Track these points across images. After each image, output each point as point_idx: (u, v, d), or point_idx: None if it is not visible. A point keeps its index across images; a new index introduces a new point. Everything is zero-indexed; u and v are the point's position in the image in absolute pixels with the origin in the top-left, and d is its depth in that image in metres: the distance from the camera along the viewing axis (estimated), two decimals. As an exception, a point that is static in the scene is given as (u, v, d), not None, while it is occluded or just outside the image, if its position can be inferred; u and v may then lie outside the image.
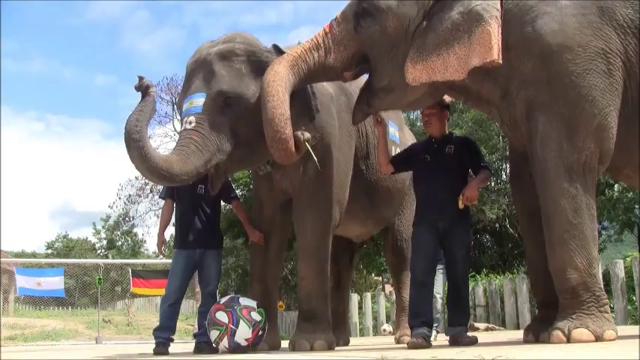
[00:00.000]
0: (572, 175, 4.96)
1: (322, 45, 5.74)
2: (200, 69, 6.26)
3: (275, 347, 6.76)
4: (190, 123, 5.98)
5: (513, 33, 5.13)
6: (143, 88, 5.72)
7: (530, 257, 6.04)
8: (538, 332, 5.42)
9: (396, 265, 8.57)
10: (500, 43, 4.98)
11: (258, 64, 6.21)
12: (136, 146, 5.53)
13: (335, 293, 8.42)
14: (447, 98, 6.25)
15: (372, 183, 7.33)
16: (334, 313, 8.09)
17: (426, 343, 5.64)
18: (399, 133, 7.87)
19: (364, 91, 5.90)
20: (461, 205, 5.97)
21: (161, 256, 14.08)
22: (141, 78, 5.73)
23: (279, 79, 5.64)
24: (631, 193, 18.16)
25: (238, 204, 7.76)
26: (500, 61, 4.95)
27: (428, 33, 5.30)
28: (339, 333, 7.96)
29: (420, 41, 5.32)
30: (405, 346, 6.10)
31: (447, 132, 6.44)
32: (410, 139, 8.19)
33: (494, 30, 4.98)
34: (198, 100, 6.06)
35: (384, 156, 6.43)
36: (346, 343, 8.15)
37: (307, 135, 5.88)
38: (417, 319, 5.85)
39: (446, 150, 6.18)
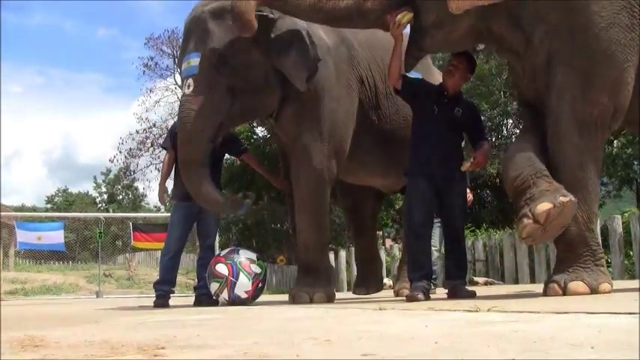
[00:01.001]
0: (584, 128, 4.97)
1: None
2: (195, 28, 6.43)
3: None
4: (189, 87, 6.27)
5: None
6: None
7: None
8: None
9: None
10: None
11: None
12: None
13: (358, 242, 8.60)
14: None
15: (386, 133, 7.22)
16: (361, 262, 8.31)
17: (425, 298, 5.66)
18: (427, 78, 7.65)
19: (413, 34, 5.70)
20: (466, 168, 5.99)
21: (162, 209, 14.15)
22: None
23: None
24: (630, 149, 18.15)
25: (249, 155, 7.88)
26: None
27: None
28: (369, 281, 8.17)
29: None
30: (403, 298, 6.15)
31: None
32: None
33: None
34: (195, 61, 6.29)
35: (397, 66, 6.02)
36: (378, 290, 8.23)
37: None
38: (417, 273, 5.87)
39: (454, 111, 6.13)
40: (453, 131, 6.13)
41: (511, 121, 24.34)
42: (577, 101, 4.97)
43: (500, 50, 5.90)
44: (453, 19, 5.30)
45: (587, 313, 2.92)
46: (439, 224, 7.57)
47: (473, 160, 6.01)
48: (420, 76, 7.38)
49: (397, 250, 16.78)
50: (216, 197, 6.45)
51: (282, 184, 7.22)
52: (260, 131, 25.35)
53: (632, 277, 11.59)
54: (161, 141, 33.36)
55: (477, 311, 3.47)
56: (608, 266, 6.33)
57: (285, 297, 7.08)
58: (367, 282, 8.10)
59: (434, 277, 8.44)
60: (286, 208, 7.72)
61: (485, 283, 12.86)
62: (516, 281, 13.99)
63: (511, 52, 5.59)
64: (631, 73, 5.04)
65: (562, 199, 4.74)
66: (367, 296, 7.92)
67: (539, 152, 5.14)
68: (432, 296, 6.05)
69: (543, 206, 4.73)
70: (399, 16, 5.51)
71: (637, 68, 5.10)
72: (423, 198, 5.96)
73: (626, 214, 12.88)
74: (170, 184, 7.51)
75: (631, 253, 12.13)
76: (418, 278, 5.83)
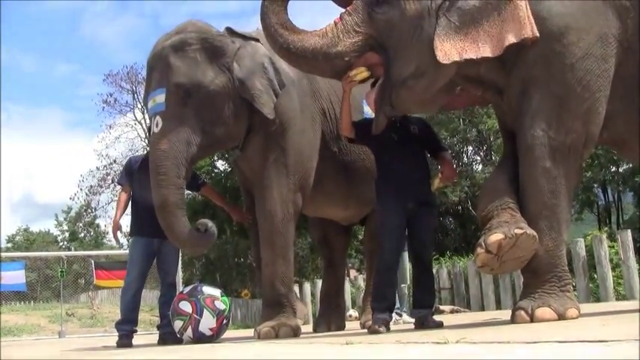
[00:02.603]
0: (557, 155, 5.00)
1: (329, 34, 5.39)
2: (157, 64, 6.38)
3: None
4: (157, 125, 6.21)
5: None
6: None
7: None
8: None
9: (373, 252, 7.95)
10: (531, 19, 4.98)
11: (212, 49, 6.32)
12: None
13: (327, 275, 8.44)
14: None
15: (347, 164, 7.23)
16: (325, 296, 8.14)
17: (387, 330, 5.64)
18: None
19: (381, 92, 5.48)
20: (437, 185, 6.02)
21: (124, 246, 13.95)
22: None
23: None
24: (589, 172, 18.38)
25: (208, 188, 7.80)
26: (537, 34, 4.94)
27: (452, 12, 5.17)
28: (331, 316, 7.96)
29: (444, 20, 5.16)
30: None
31: None
32: None
33: (524, 7, 5.00)
34: (160, 97, 6.25)
35: (348, 118, 6.02)
36: (340, 328, 7.95)
37: None
38: (382, 303, 5.83)
39: (411, 129, 6.13)
40: (418, 152, 6.15)
41: (471, 148, 24.56)
42: (551, 128, 5.02)
43: (486, 93, 5.85)
44: (437, 68, 5.19)
45: (559, 342, 2.88)
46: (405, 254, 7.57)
47: (441, 176, 6.04)
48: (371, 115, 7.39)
49: (362, 281, 16.74)
50: (196, 241, 6.41)
51: (244, 218, 7.15)
52: (221, 165, 25.31)
53: (598, 300, 11.67)
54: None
55: (445, 343, 3.41)
56: (573, 290, 6.33)
57: (251, 332, 6.98)
58: (329, 319, 7.92)
59: (404, 308, 8.48)
60: (250, 241, 7.61)
61: (452, 311, 12.86)
62: (482, 308, 14.01)
63: (496, 92, 5.56)
64: (602, 103, 5.13)
65: (516, 231, 4.78)
66: (334, 329, 7.80)
67: (516, 180, 5.19)
68: (399, 327, 6.01)
69: (495, 237, 4.81)
70: (353, 72, 5.44)
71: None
72: (394, 228, 5.90)
73: (588, 237, 12.98)
74: (123, 222, 7.40)
75: (595, 276, 12.20)
76: (382, 310, 5.78)
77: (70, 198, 39.76)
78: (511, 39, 4.98)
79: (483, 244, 4.86)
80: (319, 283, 16.04)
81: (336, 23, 5.43)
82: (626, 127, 5.45)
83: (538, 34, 4.96)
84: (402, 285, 9.21)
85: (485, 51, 5.05)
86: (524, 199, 5.12)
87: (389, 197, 5.97)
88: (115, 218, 7.38)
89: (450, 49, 5.08)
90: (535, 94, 5.10)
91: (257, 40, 6.52)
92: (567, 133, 5.02)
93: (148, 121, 6.59)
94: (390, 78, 5.37)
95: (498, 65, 5.30)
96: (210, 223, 6.46)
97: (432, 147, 6.37)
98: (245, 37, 6.55)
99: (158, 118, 6.21)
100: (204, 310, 6.15)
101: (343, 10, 5.53)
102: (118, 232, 7.35)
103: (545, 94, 5.07)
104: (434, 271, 13.35)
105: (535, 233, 4.85)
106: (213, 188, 7.74)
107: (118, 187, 7.93)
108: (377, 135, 5.87)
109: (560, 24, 5.06)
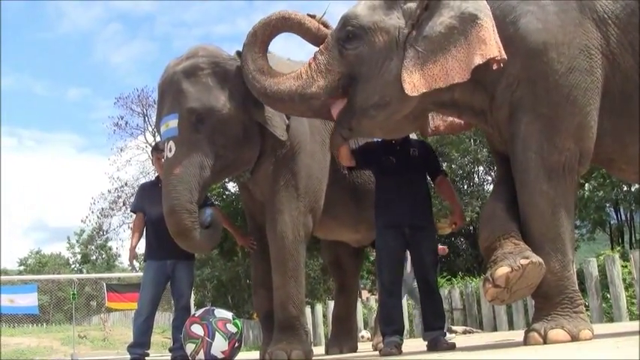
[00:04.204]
0: (552, 176, 4.97)
1: (303, 75, 5.51)
2: (169, 89, 6.34)
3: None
4: (170, 150, 6.17)
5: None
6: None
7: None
8: None
9: None
10: (498, 40, 4.94)
11: (223, 74, 6.28)
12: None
13: (338, 297, 8.47)
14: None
15: (357, 187, 7.24)
16: (337, 319, 8.21)
17: (398, 352, 5.73)
18: None
19: (343, 115, 5.56)
20: (448, 231, 6.08)
21: (137, 267, 13.97)
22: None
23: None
24: (601, 192, 18.30)
25: (216, 210, 7.75)
26: (505, 57, 4.89)
27: (420, 41, 5.18)
28: (343, 338, 8.03)
29: (412, 51, 5.17)
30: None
31: None
32: None
33: (490, 27, 4.95)
34: (172, 122, 6.20)
35: (345, 149, 6.10)
36: (352, 350, 8.02)
37: None
38: (390, 327, 5.94)
39: (410, 152, 6.19)
40: (418, 175, 6.22)
41: (482, 168, 24.48)
42: (544, 149, 4.98)
43: (463, 116, 5.85)
44: (402, 100, 5.22)
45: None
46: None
47: (454, 227, 6.13)
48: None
49: (374, 302, 16.70)
50: (211, 241, 6.53)
51: (249, 244, 7.16)
52: (232, 187, 25.30)
53: (611, 320, 11.61)
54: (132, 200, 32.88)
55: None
56: (586, 309, 6.31)
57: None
58: (341, 341, 8.00)
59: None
60: (251, 265, 7.58)
61: (464, 332, 12.79)
62: (495, 328, 13.95)
63: (477, 115, 5.55)
64: (594, 116, 5.06)
65: (522, 261, 4.74)
66: (346, 350, 7.81)
67: (514, 205, 5.16)
68: (411, 348, 6.01)
69: (501, 271, 4.78)
70: None
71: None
72: (391, 254, 6.02)
73: (601, 257, 12.92)
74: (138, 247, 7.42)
75: (608, 295, 12.14)
76: (391, 333, 5.89)
77: (82, 221, 39.56)
78: (477, 61, 4.92)
79: (491, 278, 4.83)
80: (331, 304, 16.03)
81: (310, 64, 5.54)
82: (614, 147, 5.37)
83: (506, 56, 4.91)
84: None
85: (454, 77, 5.02)
86: (525, 224, 5.09)
87: (386, 221, 6.07)
88: (131, 245, 7.43)
89: (418, 81, 5.07)
90: (523, 117, 5.07)
91: None
92: (560, 152, 4.98)
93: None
94: (353, 105, 5.44)
95: (473, 87, 5.26)
96: (205, 219, 6.49)
97: (431, 170, 6.43)
98: None
99: (171, 143, 6.18)
100: (216, 333, 6.13)
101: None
102: (134, 260, 7.41)
103: (533, 116, 5.03)
104: (446, 291, 13.41)
105: (541, 260, 4.82)
106: (222, 211, 7.70)
107: (132, 212, 7.96)
108: (376, 158, 6.13)
109: (538, 41, 5.01)
